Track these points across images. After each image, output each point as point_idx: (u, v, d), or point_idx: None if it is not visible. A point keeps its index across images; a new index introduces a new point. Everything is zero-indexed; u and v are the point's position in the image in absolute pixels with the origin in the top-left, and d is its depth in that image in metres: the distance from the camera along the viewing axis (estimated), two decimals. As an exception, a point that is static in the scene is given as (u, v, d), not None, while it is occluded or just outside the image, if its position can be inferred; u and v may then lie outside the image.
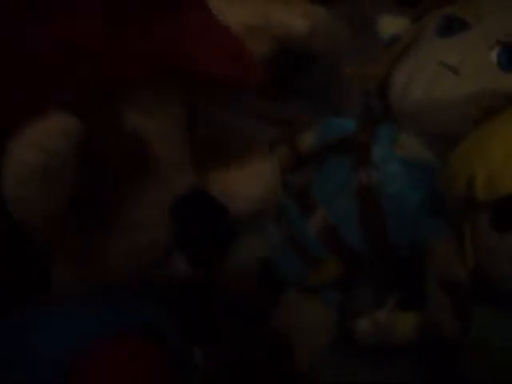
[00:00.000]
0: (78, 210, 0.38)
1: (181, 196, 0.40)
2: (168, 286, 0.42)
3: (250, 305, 0.53)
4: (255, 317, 0.54)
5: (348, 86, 0.65)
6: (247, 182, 0.42)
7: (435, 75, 0.52)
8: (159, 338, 0.41)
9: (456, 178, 0.48)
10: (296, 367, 0.53)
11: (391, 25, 0.57)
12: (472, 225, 0.48)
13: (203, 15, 0.42)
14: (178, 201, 0.40)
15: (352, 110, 0.64)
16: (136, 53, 0.38)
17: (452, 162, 0.50)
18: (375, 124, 0.56)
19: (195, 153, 0.42)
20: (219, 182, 0.42)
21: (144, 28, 0.39)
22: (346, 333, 0.53)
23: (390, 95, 0.54)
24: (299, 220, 0.55)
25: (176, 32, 0.40)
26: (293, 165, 0.58)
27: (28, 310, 0.41)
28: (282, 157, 0.58)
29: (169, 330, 0.42)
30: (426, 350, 0.51)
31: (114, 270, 0.40)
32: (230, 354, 0.49)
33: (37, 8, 0.39)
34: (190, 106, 0.41)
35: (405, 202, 0.52)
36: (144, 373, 0.41)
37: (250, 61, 0.41)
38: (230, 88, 0.41)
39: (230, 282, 0.51)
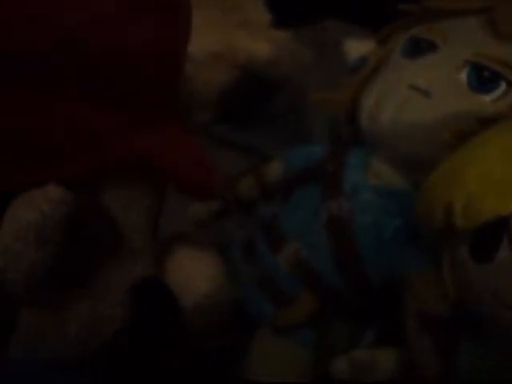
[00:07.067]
0: (55, 272, 0.43)
1: (136, 285, 0.46)
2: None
3: (221, 348, 0.51)
4: (228, 360, 0.52)
5: (314, 112, 0.64)
6: (197, 279, 0.48)
7: (405, 98, 0.50)
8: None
9: (433, 206, 0.47)
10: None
11: (357, 48, 0.56)
12: (452, 255, 0.46)
13: (180, 130, 0.49)
14: (134, 288, 0.46)
15: (319, 137, 0.63)
16: (120, 153, 0.46)
17: (427, 189, 0.48)
18: (345, 151, 0.54)
19: (156, 243, 0.49)
20: (174, 274, 0.48)
21: (129, 136, 0.46)
22: (325, 372, 0.51)
23: (359, 120, 0.53)
24: (269, 255, 0.52)
25: (155, 141, 0.47)
26: (259, 196, 0.57)
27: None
28: (248, 188, 0.57)
29: None
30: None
31: (72, 337, 0.45)
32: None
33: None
34: (157, 202, 0.49)
35: (380, 232, 0.50)
36: None
37: (212, 170, 0.48)
38: (192, 190, 0.48)
39: (200, 324, 0.49)
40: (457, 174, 0.46)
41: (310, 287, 0.51)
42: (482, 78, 0.50)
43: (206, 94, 0.63)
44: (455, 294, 0.46)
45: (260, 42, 0.63)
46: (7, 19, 0.42)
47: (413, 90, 0.50)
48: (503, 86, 0.50)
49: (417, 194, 0.49)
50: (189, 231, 0.55)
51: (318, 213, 0.52)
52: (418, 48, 0.52)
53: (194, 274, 0.48)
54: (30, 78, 0.43)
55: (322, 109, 0.60)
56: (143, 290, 0.46)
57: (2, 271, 0.42)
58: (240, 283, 0.52)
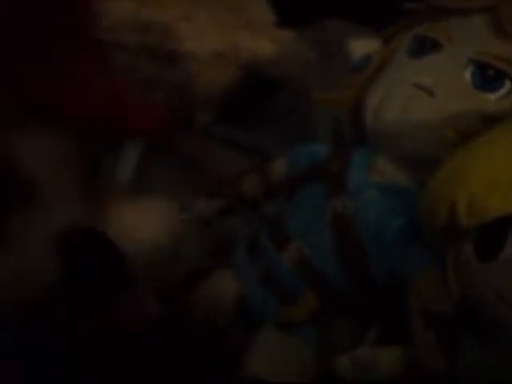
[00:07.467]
0: None
1: (66, 232, 0.42)
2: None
3: (223, 345, 0.51)
4: (230, 357, 0.51)
5: (317, 111, 0.64)
6: (142, 225, 0.44)
7: (409, 97, 0.50)
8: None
9: (437, 205, 0.46)
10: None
11: (362, 47, 0.56)
12: (455, 253, 0.46)
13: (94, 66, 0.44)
14: (64, 237, 0.42)
15: (322, 136, 0.63)
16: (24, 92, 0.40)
17: (432, 187, 0.47)
18: (349, 151, 0.53)
19: (90, 190, 0.43)
20: (115, 222, 0.44)
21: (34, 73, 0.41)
22: (328, 370, 0.51)
23: (364, 119, 0.52)
24: (273, 253, 0.52)
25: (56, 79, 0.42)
26: (263, 195, 0.56)
27: None
28: (252, 187, 0.57)
29: None
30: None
31: None
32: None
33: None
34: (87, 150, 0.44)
35: (383, 231, 0.50)
36: None
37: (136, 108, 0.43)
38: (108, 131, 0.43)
39: (203, 321, 0.49)
40: (461, 173, 0.46)
41: (312, 286, 0.51)
42: (487, 77, 0.50)
43: (208, 93, 0.63)
44: (458, 292, 0.46)
45: (263, 42, 0.63)
46: None
47: (417, 89, 0.50)
48: (508, 85, 0.50)
49: (421, 193, 0.49)
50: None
51: (323, 212, 0.51)
52: (423, 47, 0.52)
53: (138, 222, 0.44)
54: None
55: (325, 108, 0.59)
56: (75, 239, 0.42)
57: None
58: (244, 281, 0.52)
